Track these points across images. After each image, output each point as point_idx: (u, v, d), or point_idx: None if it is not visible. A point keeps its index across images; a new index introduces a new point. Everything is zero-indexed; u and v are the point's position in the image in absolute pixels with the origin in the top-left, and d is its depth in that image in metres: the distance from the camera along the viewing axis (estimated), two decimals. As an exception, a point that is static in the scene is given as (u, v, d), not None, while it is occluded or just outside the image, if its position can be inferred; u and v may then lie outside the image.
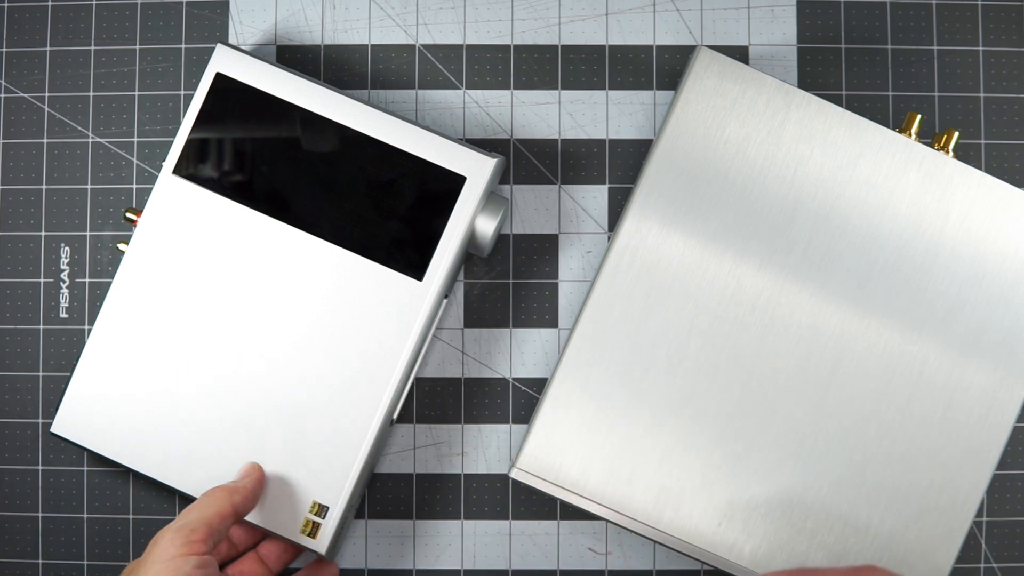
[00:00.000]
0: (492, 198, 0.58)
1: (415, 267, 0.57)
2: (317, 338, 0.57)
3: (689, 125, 0.57)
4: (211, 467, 0.57)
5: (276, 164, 0.57)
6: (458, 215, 0.57)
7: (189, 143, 0.58)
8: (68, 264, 0.62)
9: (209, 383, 0.57)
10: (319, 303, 0.57)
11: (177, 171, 0.57)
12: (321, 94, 0.57)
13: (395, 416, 0.58)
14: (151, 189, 0.62)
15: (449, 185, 0.57)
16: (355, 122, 0.57)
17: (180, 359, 0.57)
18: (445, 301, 0.59)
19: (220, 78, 0.58)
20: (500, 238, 0.62)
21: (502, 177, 0.62)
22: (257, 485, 0.56)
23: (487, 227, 0.57)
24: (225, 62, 0.58)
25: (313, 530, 0.57)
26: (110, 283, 0.59)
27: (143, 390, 0.57)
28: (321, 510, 0.57)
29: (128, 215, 0.58)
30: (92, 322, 0.62)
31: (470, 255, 0.61)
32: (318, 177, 0.57)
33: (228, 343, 0.57)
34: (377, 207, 0.57)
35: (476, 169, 0.57)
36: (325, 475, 0.57)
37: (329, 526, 0.56)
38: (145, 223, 0.57)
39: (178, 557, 0.50)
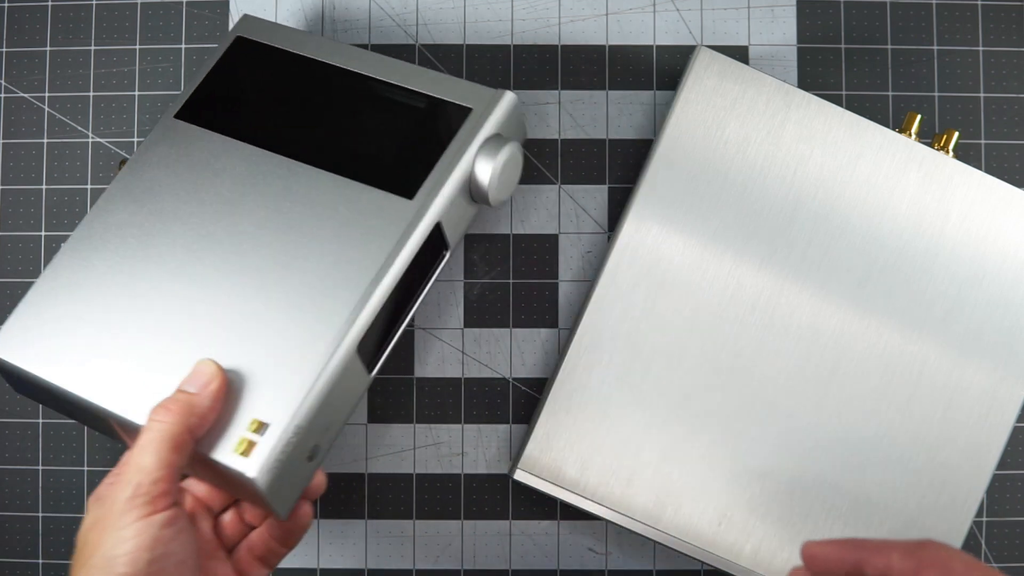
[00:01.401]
0: (501, 141, 0.54)
1: (406, 186, 0.53)
2: (289, 255, 0.52)
3: (689, 125, 0.57)
4: (154, 386, 0.49)
5: (277, 104, 0.56)
6: (459, 142, 0.53)
7: (198, 91, 0.57)
8: (68, 264, 0.62)
9: (164, 300, 0.51)
10: (296, 223, 0.52)
11: (180, 115, 0.56)
12: (336, 48, 0.57)
13: (377, 366, 0.52)
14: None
15: (454, 117, 0.54)
16: (368, 68, 0.56)
17: (138, 279, 0.52)
18: (447, 254, 0.55)
19: (240, 42, 0.58)
20: (499, 239, 0.62)
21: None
22: (217, 398, 0.47)
23: (486, 167, 0.53)
24: (248, 29, 0.58)
25: (247, 449, 0.47)
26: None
27: (92, 310, 0.52)
28: (261, 427, 0.48)
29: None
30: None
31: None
32: (318, 113, 0.56)
33: (192, 261, 0.52)
34: (376, 137, 0.54)
35: (483, 101, 0.54)
36: (274, 392, 0.49)
37: (266, 445, 0.47)
38: (135, 159, 0.55)
39: (140, 520, 0.43)
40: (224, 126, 0.55)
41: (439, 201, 0.52)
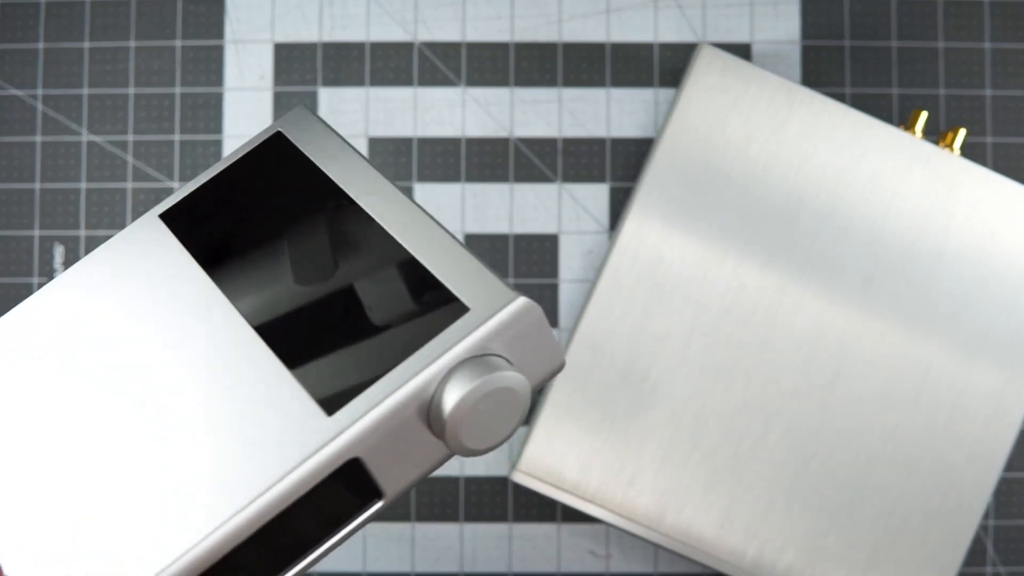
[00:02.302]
0: (491, 366, 0.36)
1: (332, 397, 0.37)
2: (157, 445, 0.38)
3: (691, 123, 0.57)
4: None
5: (266, 231, 0.43)
6: (428, 352, 0.36)
7: (200, 191, 0.45)
8: (62, 264, 0.62)
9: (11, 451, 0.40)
10: (191, 403, 0.39)
11: (165, 215, 0.45)
12: (372, 179, 0.43)
13: None
14: (146, 189, 0.62)
15: (445, 316, 0.38)
16: (388, 217, 0.41)
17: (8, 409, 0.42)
18: (380, 504, 0.38)
19: (277, 138, 0.46)
20: (499, 239, 0.61)
21: (509, 174, 0.62)
22: None
23: (451, 397, 0.36)
24: (293, 125, 0.46)
25: None
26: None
27: None
28: None
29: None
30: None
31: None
32: (303, 259, 0.42)
33: (49, 416, 0.41)
34: (347, 315, 0.40)
35: (489, 303, 0.37)
36: None
37: None
38: (96, 253, 0.45)
39: None
40: (197, 243, 0.44)
41: (361, 430, 0.36)
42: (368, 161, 0.44)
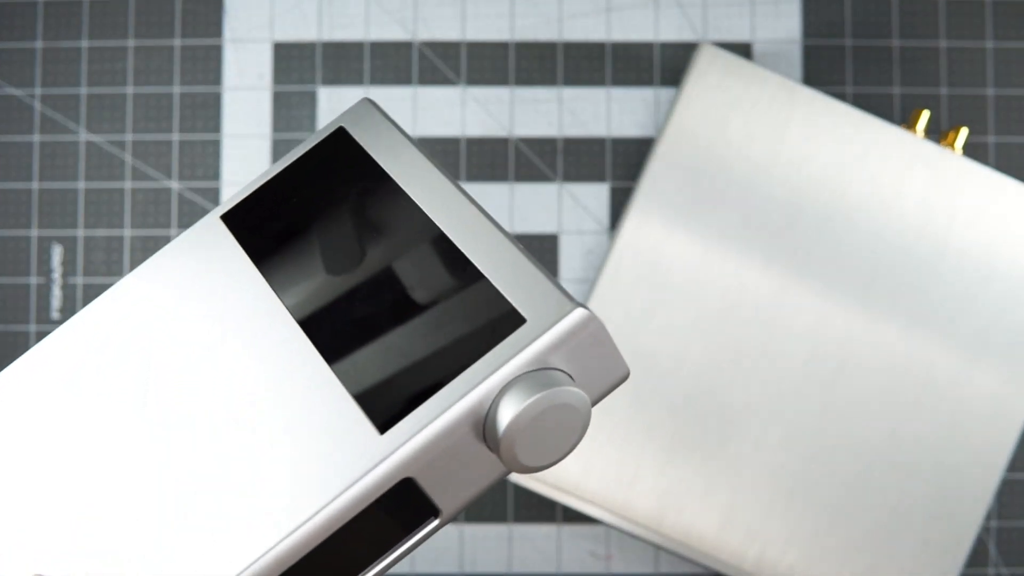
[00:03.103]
0: (549, 381, 0.35)
1: (385, 413, 0.36)
2: (207, 461, 0.38)
3: (692, 123, 0.56)
4: None
5: (324, 231, 0.42)
6: (483, 367, 0.35)
7: (262, 190, 0.44)
8: (60, 264, 0.62)
9: (65, 461, 0.40)
10: (243, 416, 0.39)
11: (226, 216, 0.44)
12: (433, 178, 0.42)
13: None
14: (144, 189, 0.62)
15: (502, 327, 0.36)
16: (447, 218, 0.40)
17: (61, 419, 0.41)
18: (436, 522, 0.37)
19: (339, 135, 0.44)
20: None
21: (507, 172, 0.61)
22: None
23: (507, 413, 0.35)
24: (357, 119, 0.45)
25: None
26: (103, 285, 0.58)
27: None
28: None
29: None
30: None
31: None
32: (359, 261, 0.41)
33: (99, 428, 0.40)
34: (402, 325, 0.38)
35: (546, 314, 0.36)
36: None
37: None
38: (160, 256, 0.45)
39: None
40: (257, 245, 0.43)
41: (414, 449, 0.35)
42: (429, 158, 0.43)
